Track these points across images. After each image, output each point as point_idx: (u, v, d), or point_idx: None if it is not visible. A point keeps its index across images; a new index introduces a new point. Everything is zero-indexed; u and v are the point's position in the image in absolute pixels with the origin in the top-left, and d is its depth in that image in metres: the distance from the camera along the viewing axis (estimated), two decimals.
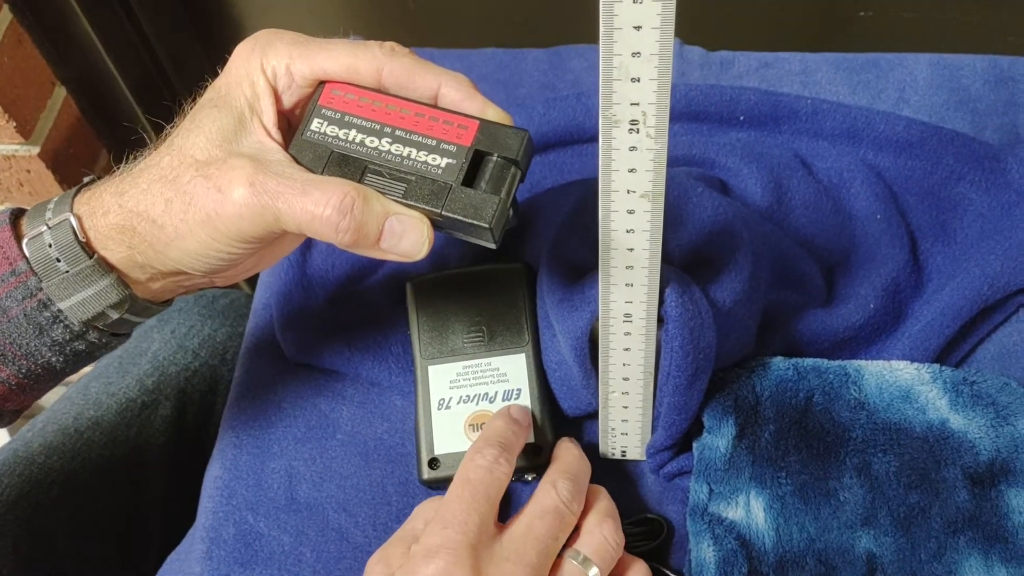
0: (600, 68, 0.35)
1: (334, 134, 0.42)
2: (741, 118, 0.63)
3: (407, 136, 0.42)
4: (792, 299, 0.55)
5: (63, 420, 0.66)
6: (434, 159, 0.41)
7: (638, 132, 0.37)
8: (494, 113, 0.42)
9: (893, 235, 0.57)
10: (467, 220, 0.40)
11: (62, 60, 0.86)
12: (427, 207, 0.41)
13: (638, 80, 0.35)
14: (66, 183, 0.89)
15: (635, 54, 0.35)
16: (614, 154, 0.38)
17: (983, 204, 0.59)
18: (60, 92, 0.87)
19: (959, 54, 0.68)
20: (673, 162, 0.61)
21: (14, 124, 0.82)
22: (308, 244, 0.61)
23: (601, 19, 0.34)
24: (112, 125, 0.94)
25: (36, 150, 0.85)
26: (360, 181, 0.41)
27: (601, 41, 0.35)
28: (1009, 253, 0.55)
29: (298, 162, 0.42)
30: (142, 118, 0.93)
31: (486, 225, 0.40)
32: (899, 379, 0.51)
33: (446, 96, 0.43)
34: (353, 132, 0.42)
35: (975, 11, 0.79)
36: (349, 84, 0.43)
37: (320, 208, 0.39)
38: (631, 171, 0.39)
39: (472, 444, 0.47)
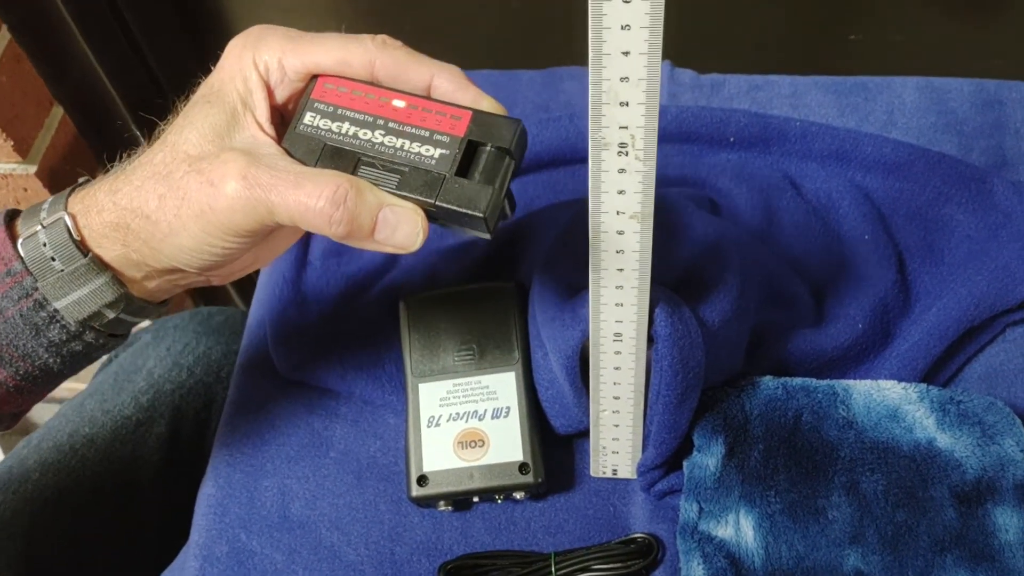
0: (589, 92, 0.36)
1: (327, 127, 0.42)
2: (731, 139, 0.64)
3: (400, 128, 0.41)
4: (781, 319, 0.55)
5: (58, 437, 0.67)
6: (427, 150, 0.41)
7: (627, 155, 0.38)
8: (488, 103, 0.42)
9: (881, 256, 0.58)
10: (461, 210, 0.40)
11: (59, 79, 0.87)
12: (421, 198, 0.40)
13: (627, 104, 0.36)
14: None
15: (623, 79, 0.35)
16: (603, 176, 0.39)
17: (970, 225, 0.59)
18: (57, 111, 0.88)
19: (947, 77, 0.68)
20: (664, 183, 0.62)
21: (11, 143, 0.82)
22: (303, 261, 0.62)
23: (590, 44, 0.35)
24: (109, 145, 0.94)
25: (33, 169, 0.85)
26: (354, 173, 0.41)
27: (590, 66, 0.35)
28: (995, 274, 0.55)
29: (291, 155, 0.42)
30: (139, 138, 0.94)
31: (480, 214, 0.39)
32: (887, 398, 0.51)
33: (439, 87, 0.42)
34: (346, 125, 0.42)
35: (963, 35, 0.80)
36: (342, 77, 0.43)
37: (313, 200, 0.39)
38: (620, 192, 0.39)
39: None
